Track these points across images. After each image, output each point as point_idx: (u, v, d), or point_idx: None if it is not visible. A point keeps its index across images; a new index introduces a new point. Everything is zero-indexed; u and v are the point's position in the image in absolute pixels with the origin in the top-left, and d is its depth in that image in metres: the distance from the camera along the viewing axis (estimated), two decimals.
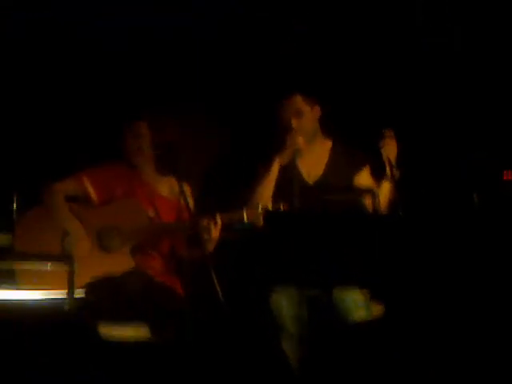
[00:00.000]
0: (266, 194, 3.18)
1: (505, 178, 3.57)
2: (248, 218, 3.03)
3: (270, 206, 3.06)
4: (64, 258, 2.62)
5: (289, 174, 3.23)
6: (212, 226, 2.97)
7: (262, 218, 3.01)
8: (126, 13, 3.54)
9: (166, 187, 3.19)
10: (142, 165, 3.16)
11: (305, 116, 3.21)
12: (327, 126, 3.32)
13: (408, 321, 3.34)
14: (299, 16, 3.68)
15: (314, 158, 3.28)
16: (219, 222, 2.99)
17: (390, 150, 3.12)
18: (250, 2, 3.63)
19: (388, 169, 3.12)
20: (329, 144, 3.32)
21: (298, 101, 3.21)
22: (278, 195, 3.18)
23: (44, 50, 3.65)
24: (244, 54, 3.78)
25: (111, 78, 3.72)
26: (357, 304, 3.03)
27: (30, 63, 3.65)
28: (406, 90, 3.68)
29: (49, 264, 2.60)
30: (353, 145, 3.30)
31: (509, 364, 3.12)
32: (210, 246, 3.00)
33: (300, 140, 3.18)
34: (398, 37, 3.69)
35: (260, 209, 3.04)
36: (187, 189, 3.07)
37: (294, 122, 3.20)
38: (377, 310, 3.13)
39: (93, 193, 3.07)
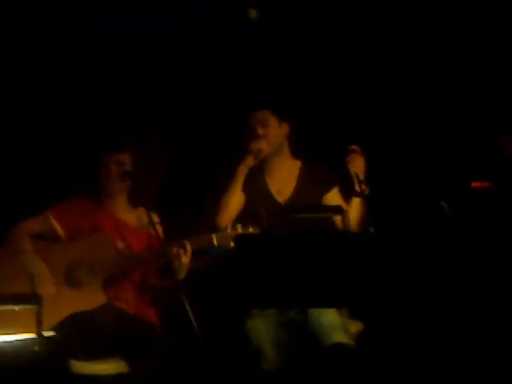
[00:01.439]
0: (232, 205, 3.18)
1: (473, 185, 3.59)
2: (217, 241, 3.00)
3: (239, 227, 3.02)
4: (31, 297, 2.57)
5: (259, 192, 3.23)
6: (182, 253, 2.94)
7: (231, 240, 2.98)
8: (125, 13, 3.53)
9: (134, 218, 3.17)
10: (118, 194, 3.13)
11: (271, 127, 3.22)
12: (296, 147, 3.32)
13: (386, 337, 3.33)
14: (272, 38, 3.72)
15: (283, 177, 3.27)
16: (188, 247, 2.96)
17: (357, 165, 3.12)
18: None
19: (356, 185, 3.11)
20: (298, 164, 3.31)
21: (266, 113, 3.22)
22: (248, 214, 3.16)
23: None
24: (211, 71, 3.78)
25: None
26: (334, 325, 3.00)
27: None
28: (373, 106, 3.72)
29: (16, 305, 2.55)
30: (322, 163, 3.30)
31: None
32: (182, 273, 2.96)
33: (263, 145, 3.19)
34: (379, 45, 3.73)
35: (229, 230, 3.01)
36: (156, 218, 3.04)
37: (260, 130, 3.20)
38: (355, 327, 3.12)
39: (59, 229, 3.06)
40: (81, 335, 2.84)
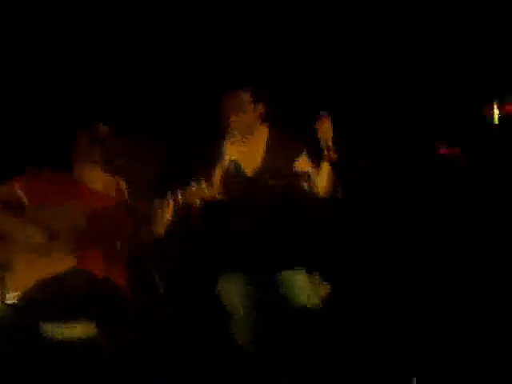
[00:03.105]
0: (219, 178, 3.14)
1: (440, 151, 3.64)
2: (183, 198, 2.95)
3: (203, 182, 2.96)
4: None
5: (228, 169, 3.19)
6: (164, 207, 2.94)
7: (196, 197, 2.95)
8: None
9: (102, 183, 3.17)
10: (90, 161, 3.13)
11: (246, 113, 3.18)
12: (264, 113, 3.28)
13: (354, 300, 3.41)
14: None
15: (252, 149, 3.24)
16: (171, 202, 2.94)
17: (325, 131, 3.12)
18: None
19: (325, 151, 3.14)
20: (265, 131, 3.29)
21: (241, 99, 3.17)
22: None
23: None
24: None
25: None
26: (304, 286, 3.06)
27: None
28: (341, 70, 3.72)
29: None
30: (290, 128, 3.29)
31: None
32: (161, 229, 2.98)
33: (235, 134, 3.16)
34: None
35: (194, 187, 2.95)
36: (123, 185, 3.05)
37: (233, 119, 3.16)
38: (324, 290, 3.18)
39: (25, 198, 3.04)
40: (51, 300, 2.86)
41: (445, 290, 3.44)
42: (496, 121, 3.50)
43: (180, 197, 2.94)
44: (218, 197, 2.99)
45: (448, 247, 3.52)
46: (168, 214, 2.94)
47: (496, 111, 3.52)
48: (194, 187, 2.95)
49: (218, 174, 3.12)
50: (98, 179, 3.17)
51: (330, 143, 3.12)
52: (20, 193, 3.03)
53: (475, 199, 3.57)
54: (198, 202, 2.93)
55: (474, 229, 3.52)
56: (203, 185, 2.93)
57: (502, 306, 3.26)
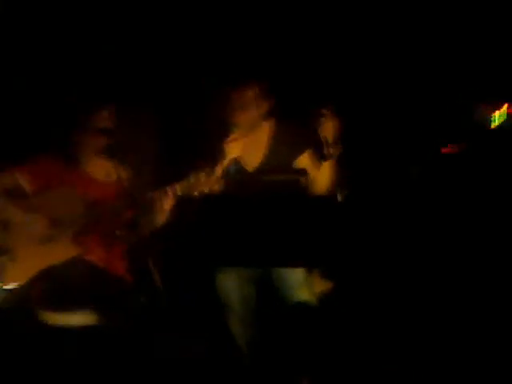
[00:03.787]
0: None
1: (443, 151, 3.65)
2: (180, 191, 2.95)
3: (202, 176, 2.93)
4: None
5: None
6: (163, 198, 2.95)
7: (194, 190, 2.95)
8: None
9: (104, 172, 3.19)
10: (91, 148, 3.16)
11: (251, 110, 3.17)
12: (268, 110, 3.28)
13: (349, 299, 3.43)
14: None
15: (253, 146, 3.24)
16: (171, 193, 2.95)
17: (327, 129, 3.12)
18: None
19: (325, 148, 3.14)
20: (268, 127, 3.28)
21: (248, 97, 3.16)
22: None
23: None
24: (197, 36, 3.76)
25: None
26: (299, 283, 3.08)
27: None
28: (344, 67, 3.73)
29: None
30: (293, 125, 3.27)
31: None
32: (160, 220, 2.99)
33: (241, 133, 3.16)
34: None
35: (192, 179, 2.93)
36: (124, 173, 3.07)
37: (236, 117, 3.16)
38: (323, 287, 3.20)
39: (26, 185, 3.06)
40: (52, 289, 2.91)
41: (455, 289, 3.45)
42: (496, 122, 3.51)
43: (178, 188, 2.95)
44: (217, 191, 3.01)
45: (450, 247, 3.52)
46: (167, 205, 2.96)
47: (497, 112, 3.53)
48: (192, 180, 2.95)
49: (218, 170, 3.14)
50: (100, 168, 3.20)
51: (332, 140, 3.13)
52: (23, 181, 3.07)
53: (478, 197, 3.58)
54: (196, 194, 2.93)
55: (475, 227, 3.53)
56: (202, 178, 2.92)
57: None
